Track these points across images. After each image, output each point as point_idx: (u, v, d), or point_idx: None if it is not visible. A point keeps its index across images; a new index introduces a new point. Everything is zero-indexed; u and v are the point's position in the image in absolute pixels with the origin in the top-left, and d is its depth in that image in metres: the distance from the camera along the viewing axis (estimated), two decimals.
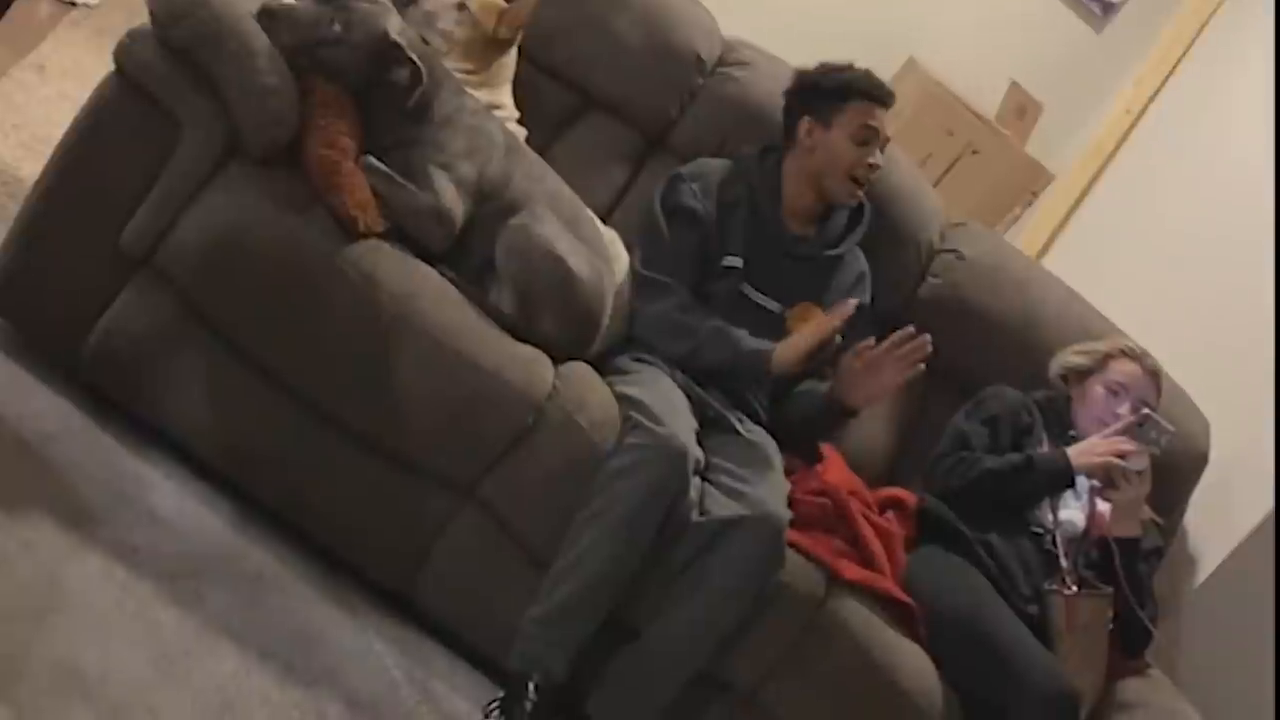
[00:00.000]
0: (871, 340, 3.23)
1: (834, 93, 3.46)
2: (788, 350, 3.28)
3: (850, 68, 3.50)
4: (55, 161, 2.95)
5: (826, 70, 3.51)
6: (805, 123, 3.48)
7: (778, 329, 3.40)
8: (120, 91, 2.91)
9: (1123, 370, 3.59)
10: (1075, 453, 3.43)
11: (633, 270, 3.43)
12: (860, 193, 3.54)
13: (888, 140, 3.53)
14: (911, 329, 3.21)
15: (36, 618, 2.34)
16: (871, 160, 3.47)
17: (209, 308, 2.94)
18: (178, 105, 2.91)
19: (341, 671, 2.76)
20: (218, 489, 2.99)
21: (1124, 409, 3.52)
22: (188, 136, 2.92)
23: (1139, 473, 3.36)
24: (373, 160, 3.04)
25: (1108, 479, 3.38)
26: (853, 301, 3.25)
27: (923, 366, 3.23)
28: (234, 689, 2.51)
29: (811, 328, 3.29)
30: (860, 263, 3.62)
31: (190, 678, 2.46)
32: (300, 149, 2.98)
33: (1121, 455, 3.36)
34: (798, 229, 3.53)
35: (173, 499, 2.87)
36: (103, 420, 2.93)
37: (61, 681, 2.24)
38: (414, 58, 3.07)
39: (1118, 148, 5.69)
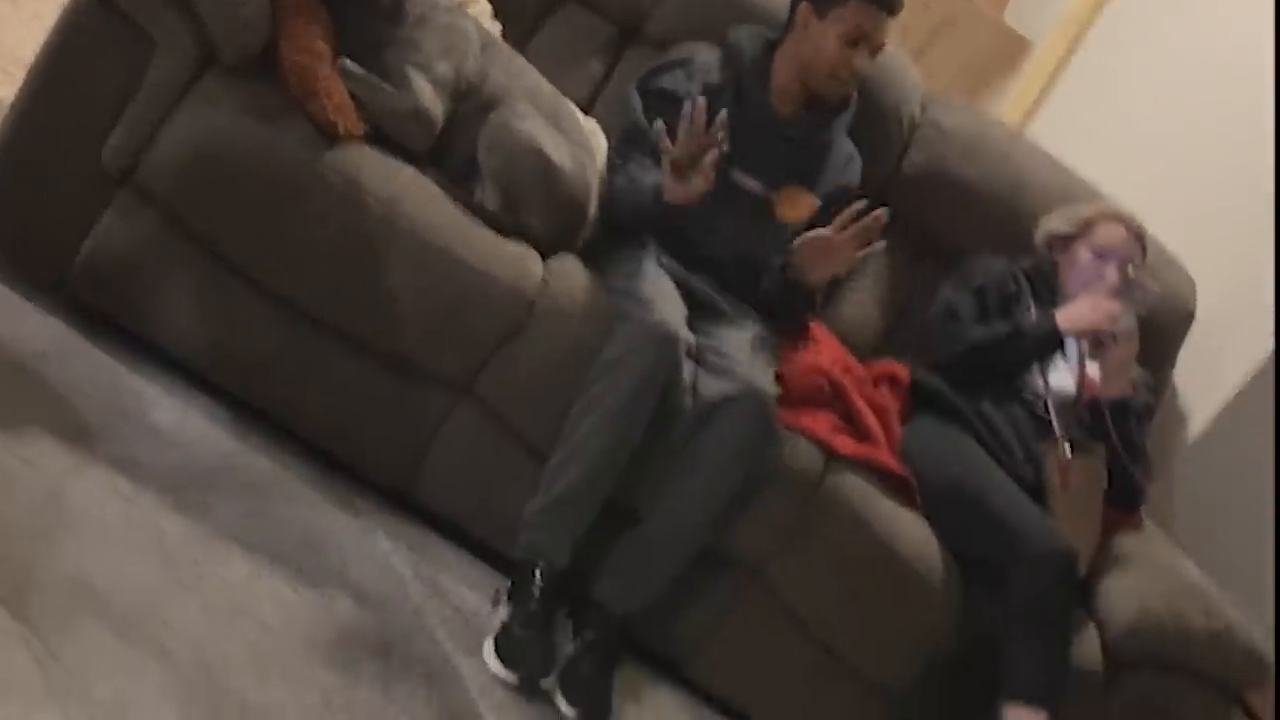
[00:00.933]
0: (825, 233, 3.21)
1: None
2: (664, 177, 3.17)
3: None
4: (29, 83, 2.94)
5: None
6: (804, 8, 3.43)
7: (766, 213, 3.41)
8: (90, 9, 2.89)
9: (1107, 233, 3.60)
10: (1062, 317, 3.45)
11: (607, 157, 3.42)
12: (844, 90, 3.49)
13: (881, 46, 3.45)
14: (863, 204, 3.18)
15: (43, 534, 2.36)
16: (855, 63, 3.42)
17: (193, 221, 2.94)
18: (148, 19, 2.89)
19: (350, 571, 2.79)
20: (216, 400, 3.01)
21: (1109, 272, 3.54)
22: (161, 50, 2.90)
23: (1127, 333, 3.38)
24: (349, 64, 3.03)
25: (1096, 341, 3.41)
26: (700, 103, 3.08)
27: (881, 244, 3.19)
28: (245, 594, 2.54)
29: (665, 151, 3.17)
30: (848, 146, 3.60)
31: (200, 585, 2.49)
32: (275, 57, 2.97)
33: (1109, 317, 3.38)
34: (786, 112, 3.52)
35: (172, 412, 2.89)
36: (95, 338, 2.94)
37: (72, 596, 2.27)
38: None
39: (1096, 12, 5.64)
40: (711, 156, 3.08)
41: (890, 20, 3.41)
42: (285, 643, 2.49)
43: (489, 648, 2.83)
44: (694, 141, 3.08)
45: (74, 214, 2.94)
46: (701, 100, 3.06)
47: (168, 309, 2.97)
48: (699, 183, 3.12)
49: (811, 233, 3.23)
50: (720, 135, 3.07)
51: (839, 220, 3.19)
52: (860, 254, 3.20)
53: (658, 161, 3.24)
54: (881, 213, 3.15)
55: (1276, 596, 3.64)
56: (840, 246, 3.20)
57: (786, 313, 3.43)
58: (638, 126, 3.40)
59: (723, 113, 3.04)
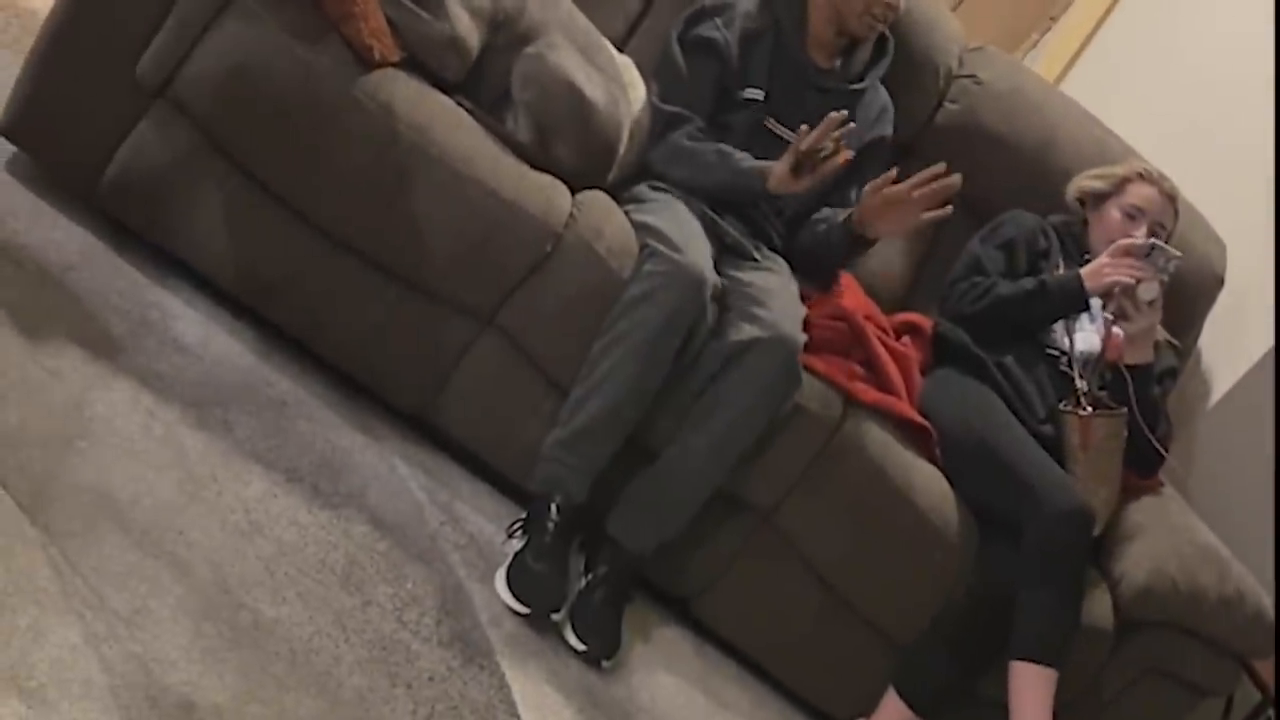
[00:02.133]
0: (894, 173, 3.19)
1: None
2: (779, 166, 3.21)
3: None
4: None
5: None
6: None
7: None
8: None
9: (1139, 194, 3.59)
10: (1087, 273, 3.44)
11: (650, 104, 3.42)
12: (879, 27, 3.50)
13: None
14: (942, 166, 3.15)
15: (65, 443, 2.37)
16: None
17: (226, 138, 2.93)
18: None
19: (367, 494, 2.81)
20: (239, 317, 3.02)
21: (1140, 232, 3.53)
22: None
23: (1150, 302, 3.37)
24: None
25: (1120, 311, 3.39)
26: (841, 114, 3.12)
27: (949, 208, 3.17)
28: (262, 511, 2.56)
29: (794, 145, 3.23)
30: (883, 96, 3.60)
31: (219, 501, 2.51)
32: None
33: (1130, 272, 3.36)
34: (822, 61, 3.51)
35: (196, 328, 2.90)
36: (123, 250, 2.94)
37: (92, 505, 2.28)
38: None
39: None
40: (833, 165, 3.11)
41: None
42: (300, 562, 2.51)
43: (501, 578, 2.85)
44: (820, 145, 3.09)
45: (108, 125, 2.93)
46: (843, 113, 3.08)
47: (196, 224, 2.97)
48: (806, 181, 3.14)
49: (882, 181, 3.20)
50: (845, 143, 3.10)
51: (915, 179, 3.16)
52: (929, 216, 3.17)
53: (702, 114, 3.33)
54: (956, 179, 3.13)
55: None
56: (911, 205, 3.17)
57: (827, 261, 3.42)
58: (681, 79, 3.41)
59: (851, 124, 3.08)
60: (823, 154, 3.10)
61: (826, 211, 3.47)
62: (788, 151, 3.14)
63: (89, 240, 2.91)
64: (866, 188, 3.27)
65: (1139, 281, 3.35)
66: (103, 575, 2.16)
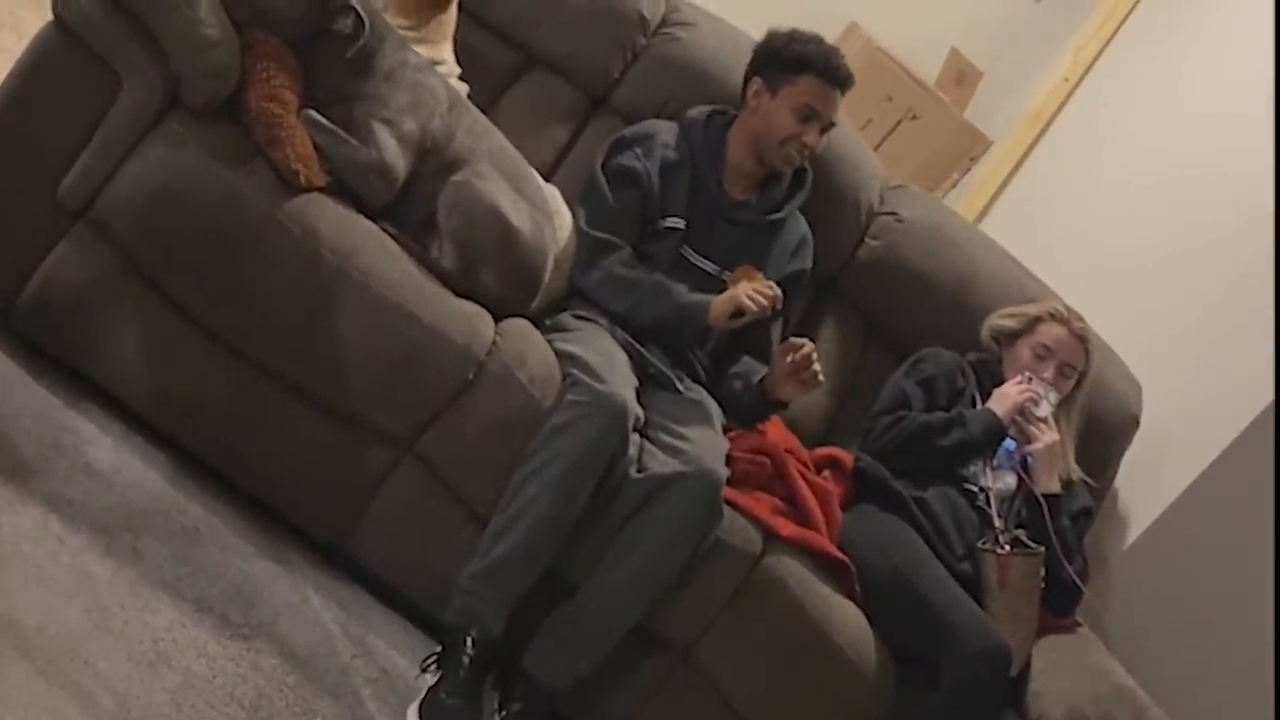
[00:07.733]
0: (809, 344, 3.23)
1: (789, 63, 3.46)
2: (721, 305, 3.30)
3: (817, 42, 3.49)
4: None
5: (792, 39, 3.49)
6: (755, 84, 3.50)
7: (716, 291, 3.42)
8: (58, 42, 2.88)
9: (1049, 333, 3.63)
10: (992, 404, 3.53)
11: (578, 230, 3.44)
12: (797, 162, 3.55)
13: (833, 125, 3.52)
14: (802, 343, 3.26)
15: None
16: (806, 139, 3.47)
17: (147, 260, 2.92)
18: (117, 57, 2.88)
19: (278, 625, 2.76)
20: (154, 443, 2.98)
21: (1049, 372, 3.57)
22: (127, 88, 2.89)
23: (1044, 420, 3.47)
24: (314, 114, 3.03)
25: (1022, 433, 3.48)
26: (777, 290, 3.29)
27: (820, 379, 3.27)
28: (169, 641, 2.51)
29: (728, 295, 3.31)
30: (801, 227, 3.63)
31: (126, 630, 2.46)
32: (241, 102, 2.96)
33: (1030, 400, 3.48)
34: (739, 194, 3.55)
35: (109, 452, 2.86)
36: (38, 373, 2.91)
37: None
38: (356, 6, 3.05)
39: (1055, 115, 5.72)
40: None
41: (840, 96, 3.48)
42: (208, 694, 2.46)
43: (413, 713, 2.79)
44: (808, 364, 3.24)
45: (27, 245, 2.91)
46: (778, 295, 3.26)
47: (113, 348, 2.94)
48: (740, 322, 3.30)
49: (789, 347, 3.26)
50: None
51: (791, 361, 3.24)
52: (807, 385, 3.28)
53: (629, 241, 3.39)
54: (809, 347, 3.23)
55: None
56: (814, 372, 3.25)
57: (747, 420, 3.42)
58: (607, 206, 3.45)
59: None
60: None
61: (745, 363, 3.48)
62: (725, 299, 3.28)
63: (4, 362, 2.87)
64: (776, 350, 3.32)
65: (1036, 400, 3.46)
66: (4, 704, 2.12)
